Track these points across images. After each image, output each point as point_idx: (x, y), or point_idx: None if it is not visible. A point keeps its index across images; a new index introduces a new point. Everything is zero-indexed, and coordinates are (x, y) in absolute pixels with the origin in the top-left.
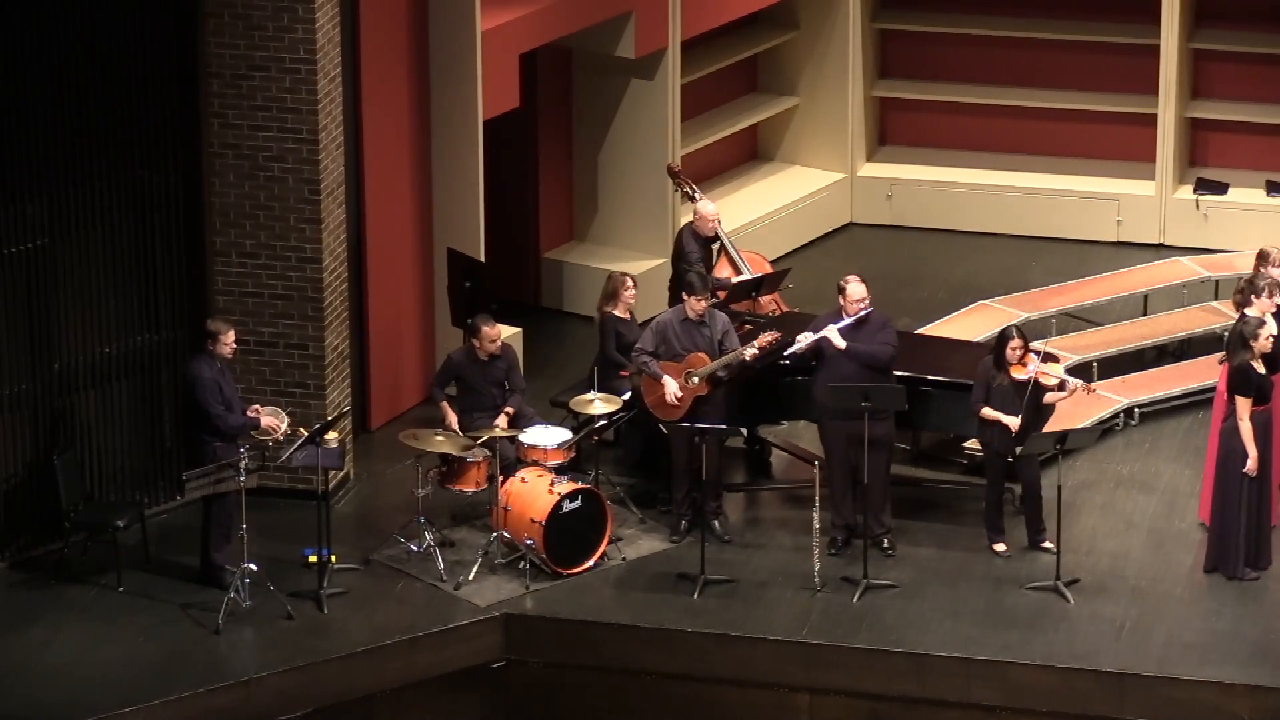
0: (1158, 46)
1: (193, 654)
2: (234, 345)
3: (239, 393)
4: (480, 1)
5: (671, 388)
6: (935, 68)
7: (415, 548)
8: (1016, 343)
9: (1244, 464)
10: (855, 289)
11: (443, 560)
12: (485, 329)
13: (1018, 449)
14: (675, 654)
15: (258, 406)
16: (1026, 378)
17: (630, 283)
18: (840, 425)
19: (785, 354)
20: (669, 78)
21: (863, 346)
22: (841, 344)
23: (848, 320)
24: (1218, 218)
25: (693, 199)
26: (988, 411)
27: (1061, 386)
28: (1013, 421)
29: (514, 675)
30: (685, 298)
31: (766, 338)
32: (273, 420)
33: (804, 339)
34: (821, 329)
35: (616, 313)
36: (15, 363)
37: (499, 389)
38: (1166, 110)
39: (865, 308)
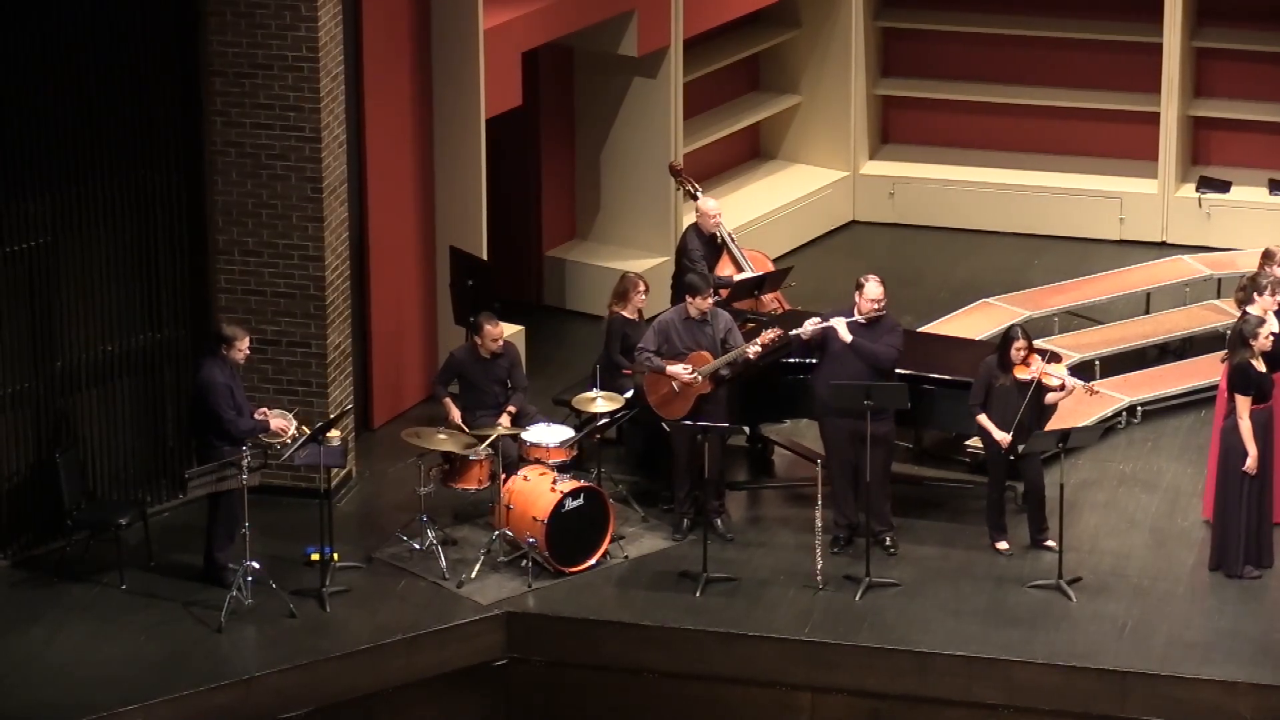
0: (1160, 45)
1: (194, 652)
2: (248, 351)
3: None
4: (482, 0)
5: (679, 369)
6: (937, 66)
7: (417, 546)
8: (1021, 343)
9: (1244, 462)
10: (873, 289)
11: (445, 558)
12: (488, 328)
13: (1019, 448)
14: (677, 653)
15: (264, 409)
16: (1030, 378)
17: (642, 285)
18: (841, 423)
19: (789, 335)
20: (671, 76)
21: (866, 344)
22: (847, 337)
23: (858, 318)
24: (1220, 216)
25: (694, 197)
26: (982, 419)
27: (1064, 387)
28: (1003, 437)
29: (516, 674)
30: (688, 299)
31: (769, 335)
32: (282, 422)
33: (811, 323)
34: (830, 320)
35: (625, 314)
36: (17, 361)
37: (501, 387)
38: (1169, 108)
39: (879, 309)
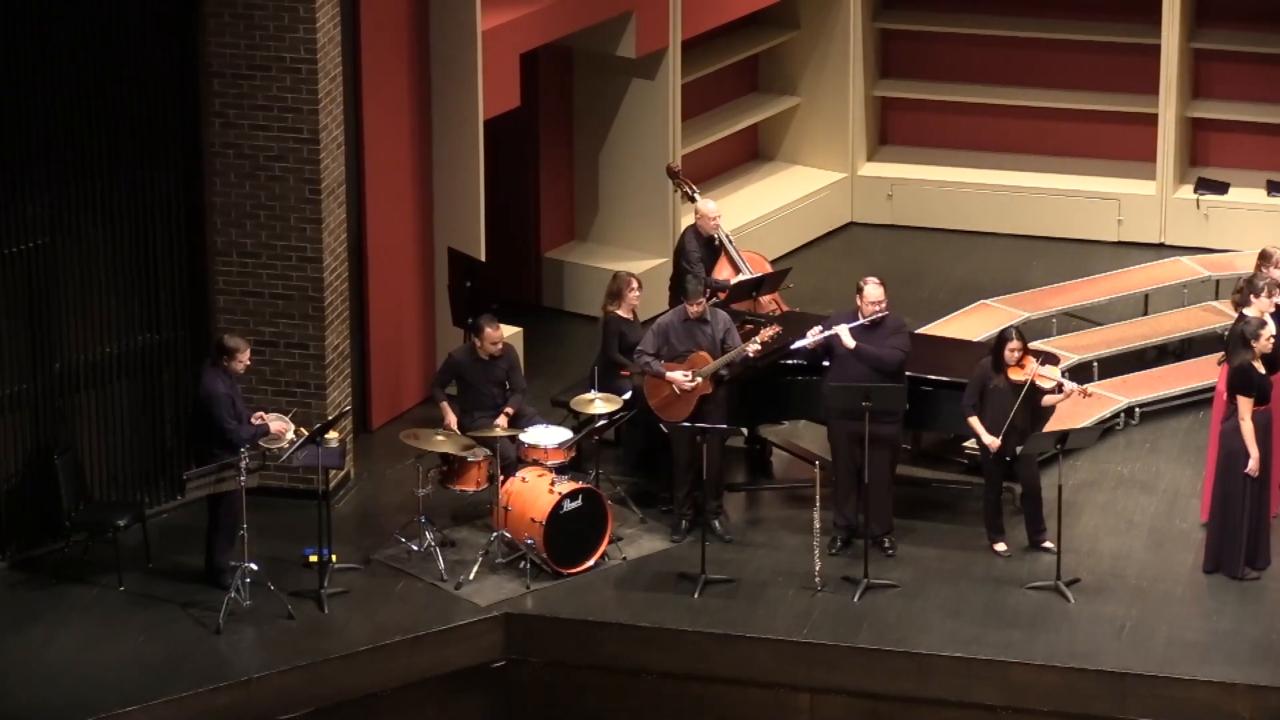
0: (1158, 46)
1: (193, 654)
2: (249, 363)
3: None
4: (481, 1)
5: (679, 375)
6: (936, 67)
7: (416, 547)
8: (1015, 344)
9: (1245, 464)
10: (873, 291)
11: (443, 560)
12: (488, 330)
13: (1017, 449)
14: (676, 654)
15: (261, 414)
16: (1024, 379)
17: (635, 283)
18: (846, 425)
19: (793, 347)
20: (669, 77)
21: (871, 348)
22: (851, 343)
23: (861, 321)
24: (1218, 217)
25: (692, 199)
26: (973, 422)
27: (1059, 389)
28: (992, 441)
29: (515, 675)
30: (685, 302)
31: (768, 332)
32: (280, 424)
33: (814, 333)
34: (834, 327)
35: (620, 313)
36: (16, 362)
37: (500, 388)
38: (1167, 110)
39: (880, 311)
